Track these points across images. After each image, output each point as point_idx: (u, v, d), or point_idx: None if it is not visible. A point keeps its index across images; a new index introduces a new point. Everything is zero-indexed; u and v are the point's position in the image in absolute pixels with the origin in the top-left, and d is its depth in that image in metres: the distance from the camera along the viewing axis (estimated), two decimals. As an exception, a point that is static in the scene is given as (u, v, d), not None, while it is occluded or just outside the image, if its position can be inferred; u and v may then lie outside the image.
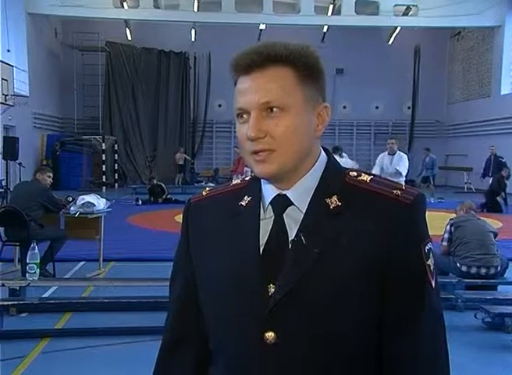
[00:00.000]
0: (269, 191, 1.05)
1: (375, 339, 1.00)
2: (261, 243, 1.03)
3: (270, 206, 1.05)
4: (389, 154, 9.27)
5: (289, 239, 1.01)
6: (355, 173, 1.06)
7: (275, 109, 0.98)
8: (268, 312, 0.98)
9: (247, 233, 1.04)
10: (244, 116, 1.01)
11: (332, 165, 1.07)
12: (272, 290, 0.99)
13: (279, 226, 1.03)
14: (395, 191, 1.01)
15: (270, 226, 1.03)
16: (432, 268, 1.01)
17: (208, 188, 1.19)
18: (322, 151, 1.08)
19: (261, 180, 1.07)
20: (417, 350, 0.99)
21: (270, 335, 0.98)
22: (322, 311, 0.97)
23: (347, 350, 0.98)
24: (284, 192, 1.04)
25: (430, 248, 1.02)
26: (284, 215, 1.03)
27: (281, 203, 1.04)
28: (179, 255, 1.16)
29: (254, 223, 1.04)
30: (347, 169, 1.08)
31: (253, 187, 1.09)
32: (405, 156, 9.29)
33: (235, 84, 1.03)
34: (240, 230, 1.05)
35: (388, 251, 0.98)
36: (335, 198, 1.01)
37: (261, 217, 1.05)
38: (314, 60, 1.02)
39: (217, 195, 1.15)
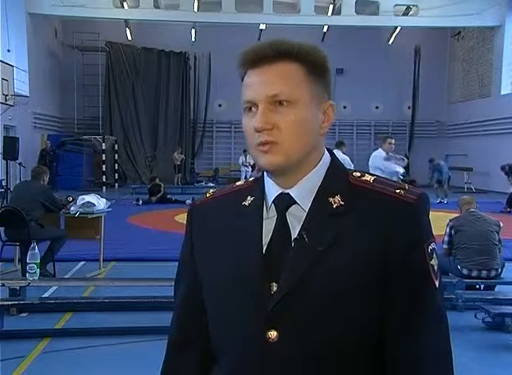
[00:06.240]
0: (272, 191, 1.06)
1: (377, 338, 1.00)
2: (264, 242, 1.03)
3: (273, 205, 1.05)
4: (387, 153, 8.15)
5: (292, 238, 1.01)
6: (358, 174, 1.06)
7: (283, 103, 1.00)
8: (271, 311, 0.99)
9: (250, 232, 1.04)
10: (252, 109, 1.02)
11: (335, 164, 1.08)
12: (275, 288, 0.99)
13: (281, 225, 1.03)
14: (398, 191, 1.02)
15: (273, 225, 1.04)
16: (435, 268, 1.01)
17: (211, 190, 1.19)
18: (326, 151, 1.09)
19: (265, 180, 1.08)
20: (421, 350, 0.99)
21: (272, 334, 0.98)
22: (324, 310, 0.97)
23: (349, 348, 0.98)
24: (287, 191, 1.04)
25: (433, 248, 1.02)
26: (287, 213, 1.03)
27: (284, 202, 1.04)
28: (183, 257, 1.17)
29: (256, 223, 1.05)
30: (350, 169, 1.09)
31: (256, 187, 1.10)
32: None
33: (242, 79, 1.04)
34: (243, 229, 1.05)
35: (391, 251, 0.98)
36: (338, 197, 1.02)
37: (264, 216, 1.05)
38: (321, 58, 1.05)
39: (220, 197, 1.15)
